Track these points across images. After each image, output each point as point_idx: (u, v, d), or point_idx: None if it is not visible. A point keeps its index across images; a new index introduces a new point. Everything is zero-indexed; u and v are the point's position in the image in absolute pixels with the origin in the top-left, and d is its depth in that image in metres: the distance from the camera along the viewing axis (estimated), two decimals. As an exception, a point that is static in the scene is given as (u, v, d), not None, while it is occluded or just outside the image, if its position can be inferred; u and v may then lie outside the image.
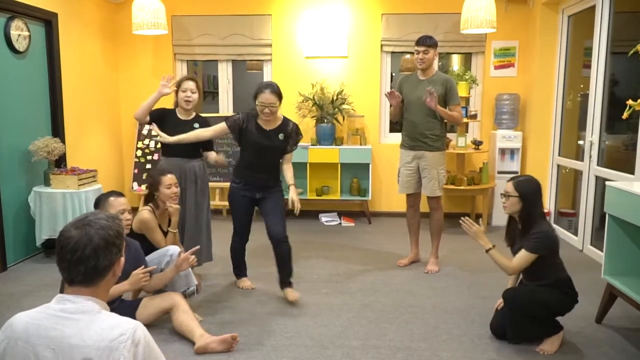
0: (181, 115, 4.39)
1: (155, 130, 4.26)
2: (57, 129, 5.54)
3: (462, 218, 3.47)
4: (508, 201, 3.37)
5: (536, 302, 3.26)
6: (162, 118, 4.35)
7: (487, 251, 3.37)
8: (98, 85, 6.46)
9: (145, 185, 4.09)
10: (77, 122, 5.93)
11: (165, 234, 4.02)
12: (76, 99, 5.89)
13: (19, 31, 4.96)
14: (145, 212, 3.91)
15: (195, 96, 4.36)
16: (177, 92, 4.37)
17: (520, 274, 3.53)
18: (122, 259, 1.80)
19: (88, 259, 1.67)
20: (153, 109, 4.29)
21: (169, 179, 3.96)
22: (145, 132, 6.90)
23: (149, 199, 4.06)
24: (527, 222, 3.34)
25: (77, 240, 1.67)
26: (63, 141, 5.43)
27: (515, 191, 3.33)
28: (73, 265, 1.68)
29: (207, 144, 4.43)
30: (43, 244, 5.07)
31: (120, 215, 3.34)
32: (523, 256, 3.27)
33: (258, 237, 5.98)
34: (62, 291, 2.38)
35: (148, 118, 4.29)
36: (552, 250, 3.29)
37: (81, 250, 1.66)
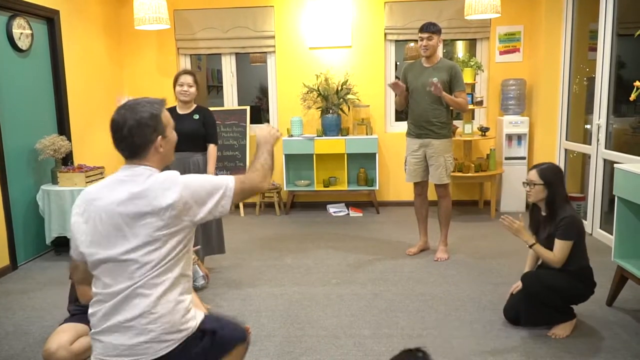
0: (180, 110, 4.37)
1: None
2: (63, 127, 5.55)
3: (503, 216, 3.41)
4: (533, 189, 3.37)
5: (553, 288, 3.26)
6: None
7: (530, 246, 3.37)
8: (102, 82, 6.46)
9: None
10: (83, 119, 5.93)
11: None
12: (81, 96, 5.90)
13: (21, 29, 4.97)
14: None
15: (193, 90, 4.34)
16: (174, 86, 4.36)
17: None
18: (170, 137, 2.11)
19: (126, 138, 1.97)
20: None
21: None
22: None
23: None
24: (553, 208, 3.35)
25: (116, 122, 1.98)
26: (69, 139, 5.45)
27: (540, 179, 3.33)
28: (117, 142, 2.00)
29: (208, 137, 4.42)
30: (53, 242, 5.09)
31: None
32: (562, 246, 3.25)
33: (268, 229, 6.02)
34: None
35: None
36: (580, 234, 3.31)
37: (120, 130, 1.97)
